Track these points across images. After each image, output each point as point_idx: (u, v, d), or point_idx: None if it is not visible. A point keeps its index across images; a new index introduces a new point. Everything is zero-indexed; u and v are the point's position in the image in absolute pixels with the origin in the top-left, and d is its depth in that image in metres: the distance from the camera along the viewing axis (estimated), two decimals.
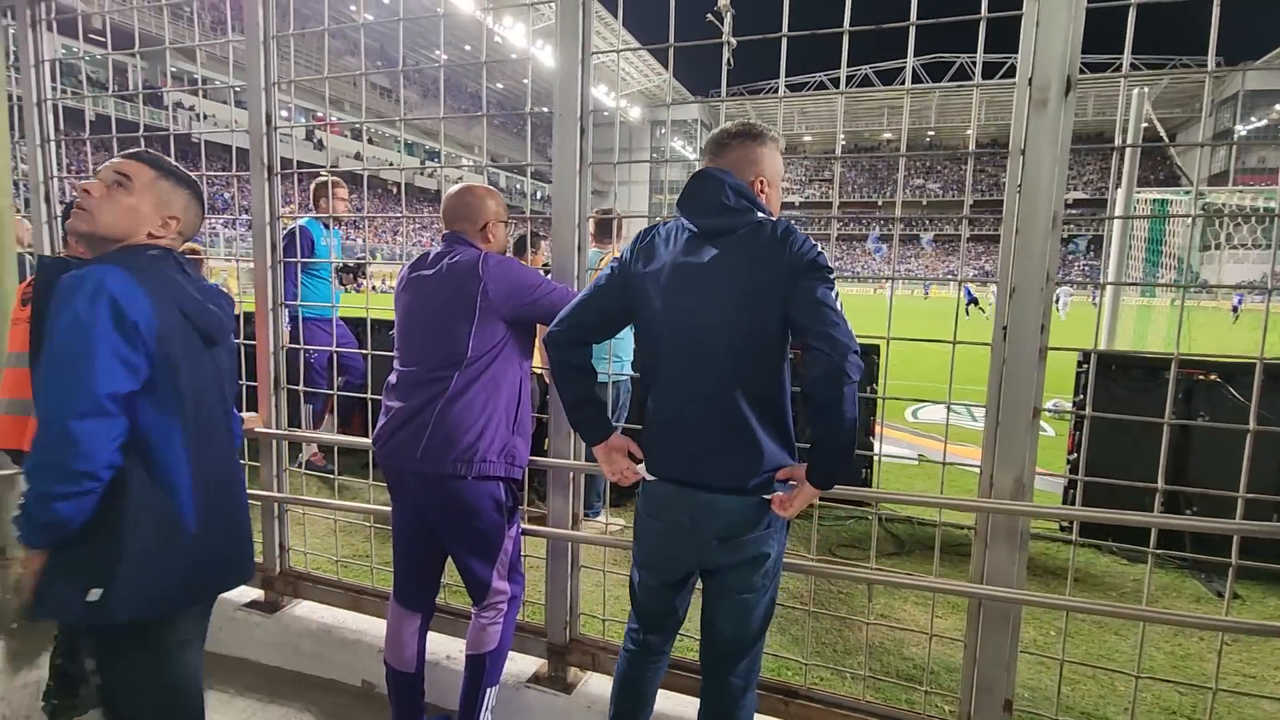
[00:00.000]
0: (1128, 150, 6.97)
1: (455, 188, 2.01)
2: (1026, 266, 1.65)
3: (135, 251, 1.39)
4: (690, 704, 1.79)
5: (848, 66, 1.83)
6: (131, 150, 1.48)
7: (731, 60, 2.03)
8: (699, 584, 1.67)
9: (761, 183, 1.56)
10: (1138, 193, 7.80)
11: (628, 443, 1.69)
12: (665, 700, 2.04)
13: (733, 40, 2.00)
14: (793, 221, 1.51)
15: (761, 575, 1.54)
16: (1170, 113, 50.27)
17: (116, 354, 1.25)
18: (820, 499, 1.49)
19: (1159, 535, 1.78)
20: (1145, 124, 7.36)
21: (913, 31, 1.84)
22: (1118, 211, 7.16)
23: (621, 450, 1.67)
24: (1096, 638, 2.80)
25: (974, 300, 23.79)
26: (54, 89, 2.91)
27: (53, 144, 2.92)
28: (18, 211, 2.93)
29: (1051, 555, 3.63)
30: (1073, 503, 3.55)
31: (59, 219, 2.92)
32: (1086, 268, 52.50)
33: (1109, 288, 7.06)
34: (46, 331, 1.26)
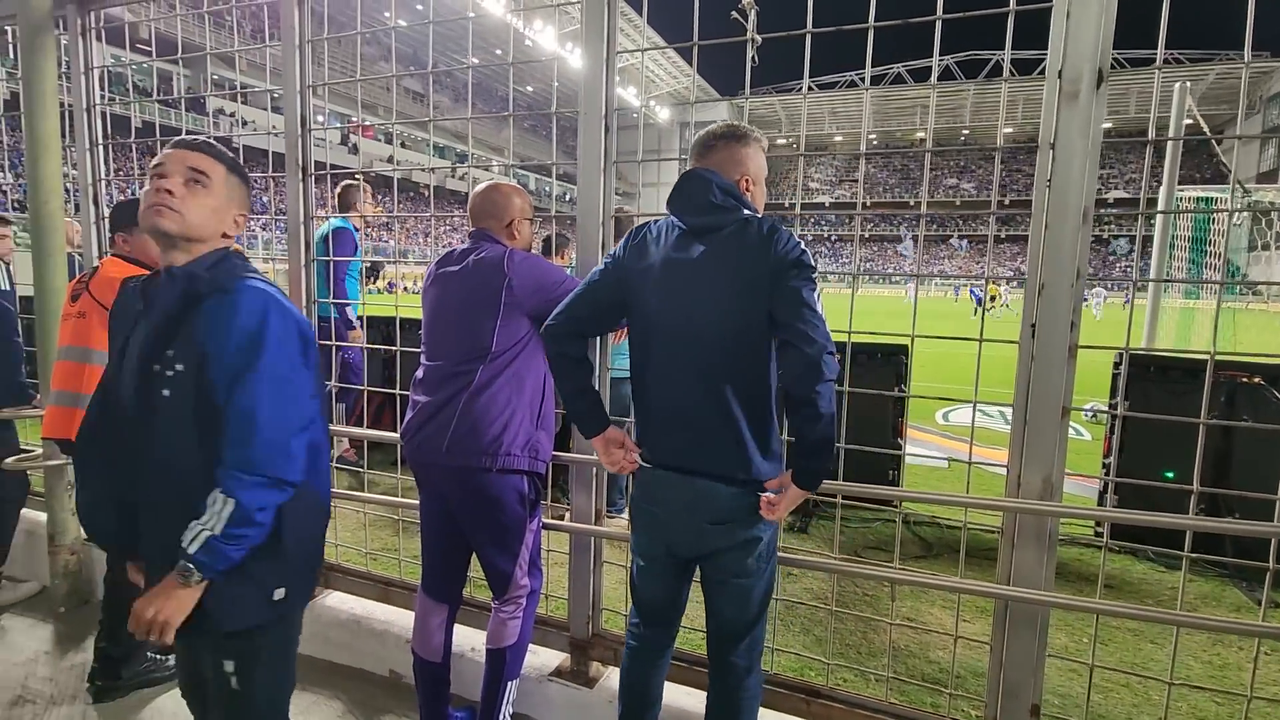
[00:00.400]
0: (1168, 145, 6.73)
1: (482, 185, 2.04)
2: (1056, 262, 1.63)
3: (246, 261, 1.39)
4: (701, 698, 1.79)
5: (881, 65, 1.85)
6: (193, 141, 1.36)
7: (756, 58, 2.03)
8: (697, 576, 1.70)
9: (747, 181, 1.60)
10: (1180, 190, 7.55)
11: (624, 435, 1.74)
12: (686, 697, 2.05)
13: (757, 37, 1.99)
14: (804, 222, 1.52)
15: (756, 558, 1.58)
16: (1216, 109, 48.44)
17: (307, 374, 1.33)
18: (844, 500, 1.48)
19: (1197, 541, 1.73)
20: (1188, 120, 7.12)
21: (939, 26, 1.82)
22: (1158, 209, 6.94)
23: (618, 442, 1.72)
24: (1132, 646, 2.73)
25: (980, 301, 22.97)
26: (102, 96, 3.04)
27: (101, 148, 3.04)
28: (67, 214, 3.06)
29: (1085, 562, 3.54)
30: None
31: (106, 220, 3.04)
32: (1127, 268, 50.95)
33: (1149, 288, 6.85)
34: (232, 350, 1.24)
